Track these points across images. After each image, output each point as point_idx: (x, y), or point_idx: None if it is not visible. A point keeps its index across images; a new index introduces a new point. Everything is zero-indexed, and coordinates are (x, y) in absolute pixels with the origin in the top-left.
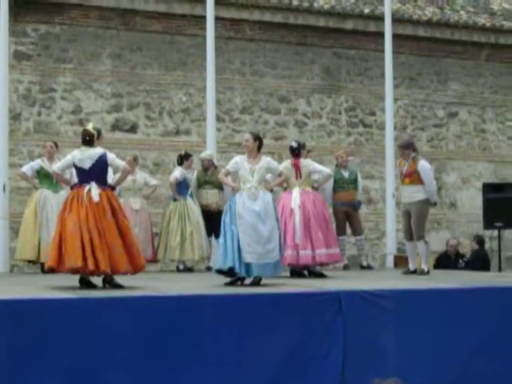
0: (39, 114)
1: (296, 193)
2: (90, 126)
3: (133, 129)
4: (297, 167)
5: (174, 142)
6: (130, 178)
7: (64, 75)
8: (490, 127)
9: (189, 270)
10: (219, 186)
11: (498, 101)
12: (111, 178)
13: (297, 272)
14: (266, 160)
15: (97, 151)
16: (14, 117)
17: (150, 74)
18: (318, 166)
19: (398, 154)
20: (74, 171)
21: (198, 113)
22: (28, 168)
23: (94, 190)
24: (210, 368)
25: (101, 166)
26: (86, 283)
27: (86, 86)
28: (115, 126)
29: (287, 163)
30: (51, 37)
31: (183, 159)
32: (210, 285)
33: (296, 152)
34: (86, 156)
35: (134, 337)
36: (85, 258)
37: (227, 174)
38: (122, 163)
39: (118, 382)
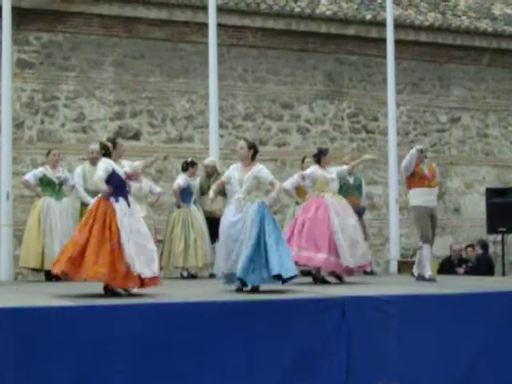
0: (42, 122)
1: (331, 198)
2: (104, 139)
3: (136, 136)
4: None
5: (177, 149)
6: (136, 185)
7: (67, 83)
8: (493, 132)
9: (192, 276)
10: (223, 193)
11: (500, 105)
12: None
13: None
14: (256, 168)
15: (108, 164)
16: (17, 125)
17: (152, 81)
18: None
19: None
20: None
21: (201, 120)
22: (31, 176)
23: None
24: (215, 374)
25: (115, 177)
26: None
27: (89, 93)
28: (118, 134)
29: (316, 168)
30: (54, 45)
31: (189, 166)
32: (213, 291)
33: (318, 157)
34: (103, 168)
35: (138, 344)
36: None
37: (221, 183)
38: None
39: None
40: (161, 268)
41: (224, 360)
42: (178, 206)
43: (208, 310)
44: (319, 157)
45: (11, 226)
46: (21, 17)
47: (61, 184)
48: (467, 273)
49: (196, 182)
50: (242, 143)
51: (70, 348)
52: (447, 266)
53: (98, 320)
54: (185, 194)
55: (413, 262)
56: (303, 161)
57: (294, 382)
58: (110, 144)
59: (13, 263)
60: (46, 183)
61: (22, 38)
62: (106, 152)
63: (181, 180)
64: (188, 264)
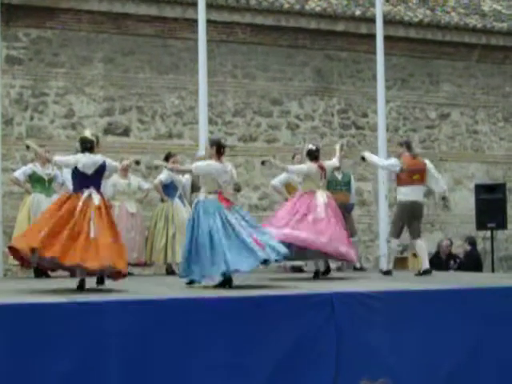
0: (32, 118)
1: (321, 194)
2: (88, 133)
3: (125, 132)
4: (322, 169)
5: (166, 146)
6: (124, 181)
7: (56, 79)
8: (482, 128)
9: (172, 272)
10: None
11: (489, 102)
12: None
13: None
14: None
15: (99, 158)
16: (7, 121)
17: (142, 77)
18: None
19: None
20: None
21: (191, 116)
22: (20, 173)
23: (94, 195)
24: (203, 371)
25: (101, 172)
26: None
27: (79, 90)
28: (108, 130)
29: (310, 166)
30: (43, 41)
31: (166, 160)
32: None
33: (316, 154)
34: (91, 162)
35: (130, 340)
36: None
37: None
38: (116, 164)
39: None
40: (152, 263)
41: (212, 357)
42: (162, 200)
43: (197, 306)
44: (316, 154)
45: (1, 223)
46: (10, 13)
47: (50, 181)
48: (454, 269)
49: (181, 177)
50: (206, 143)
51: (62, 344)
52: (436, 262)
53: (90, 316)
54: (169, 188)
55: (403, 258)
56: (293, 157)
57: (284, 378)
58: (94, 139)
59: (2, 260)
60: (35, 180)
61: (11, 34)
62: (91, 146)
63: (163, 175)
64: (168, 259)
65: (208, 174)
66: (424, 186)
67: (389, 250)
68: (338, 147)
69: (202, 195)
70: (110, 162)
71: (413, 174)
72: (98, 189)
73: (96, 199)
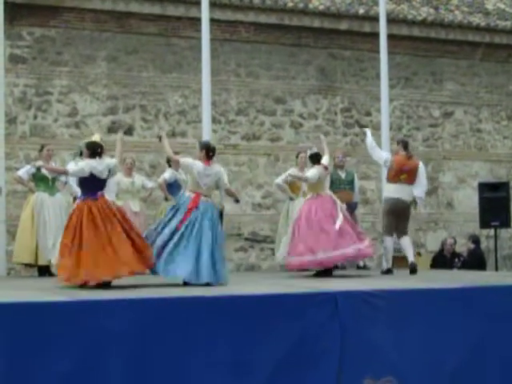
0: (35, 117)
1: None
2: (97, 138)
3: (129, 131)
4: (327, 170)
5: (170, 144)
6: (128, 180)
7: (60, 78)
8: (486, 127)
9: None
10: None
11: (493, 100)
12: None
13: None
14: None
15: (110, 162)
16: (10, 120)
17: (145, 76)
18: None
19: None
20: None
21: (194, 114)
22: (24, 172)
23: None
24: (205, 370)
25: (110, 175)
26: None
27: (82, 88)
28: (111, 129)
29: (319, 169)
30: (47, 40)
31: (169, 160)
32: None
33: (319, 157)
34: (104, 166)
35: (129, 339)
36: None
37: None
38: (116, 162)
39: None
40: None
41: (214, 355)
42: (166, 199)
43: (199, 305)
44: (319, 157)
45: (4, 222)
46: (13, 12)
47: (54, 179)
48: (458, 267)
49: (184, 176)
50: (196, 144)
51: (63, 343)
52: (440, 261)
53: (90, 315)
54: (173, 187)
55: (405, 257)
56: (297, 156)
57: (287, 376)
58: (103, 144)
59: (6, 259)
60: (39, 179)
61: (15, 33)
62: (101, 151)
63: (167, 174)
64: None
65: (189, 172)
66: (411, 186)
67: (384, 249)
68: (323, 143)
69: (186, 191)
70: (114, 161)
71: (400, 174)
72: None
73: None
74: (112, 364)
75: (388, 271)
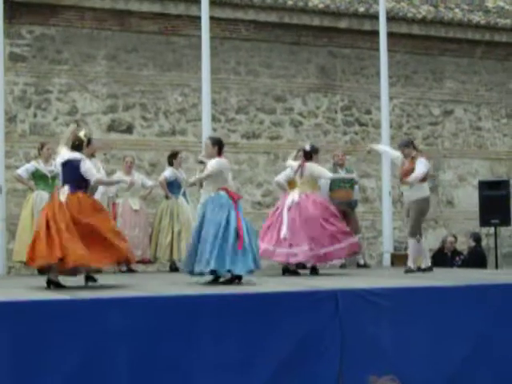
0: (35, 115)
1: (294, 194)
2: (81, 133)
3: (129, 129)
4: (302, 169)
5: (170, 143)
6: (127, 179)
7: (59, 76)
8: (486, 125)
9: (175, 269)
10: None
11: (493, 98)
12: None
13: (289, 270)
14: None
15: (74, 155)
16: (10, 119)
17: (145, 74)
18: (320, 170)
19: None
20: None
21: (194, 113)
22: (23, 170)
23: (61, 193)
24: (209, 368)
25: (73, 170)
26: (54, 284)
27: (82, 87)
28: (111, 127)
29: (295, 163)
30: (46, 38)
31: (171, 159)
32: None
33: (308, 156)
34: (60, 156)
35: (133, 337)
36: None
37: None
38: (94, 176)
39: (119, 382)
40: (156, 260)
41: (218, 353)
42: (166, 197)
43: (203, 303)
44: (311, 155)
45: (4, 220)
46: (13, 10)
47: (54, 178)
48: (459, 266)
49: (184, 174)
50: (207, 141)
51: (65, 341)
52: (440, 259)
53: (95, 313)
54: (172, 186)
55: (406, 255)
56: (297, 154)
57: (288, 375)
58: (85, 139)
59: (6, 257)
60: (38, 177)
61: (15, 31)
62: (79, 144)
63: (167, 172)
64: (173, 256)
65: (222, 172)
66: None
67: (420, 249)
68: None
69: (212, 192)
70: (87, 167)
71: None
72: (74, 185)
73: (62, 195)
74: (117, 363)
75: (429, 269)
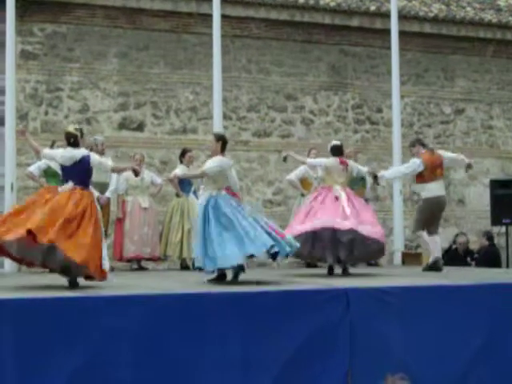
0: (46, 113)
1: (338, 188)
2: (71, 128)
3: (140, 127)
4: (345, 165)
5: (181, 141)
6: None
7: (71, 74)
8: (497, 123)
9: (186, 267)
10: None
11: (504, 97)
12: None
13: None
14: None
15: (81, 152)
16: (21, 116)
17: (156, 72)
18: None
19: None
20: None
21: (205, 111)
22: (35, 168)
23: (62, 187)
24: (215, 366)
25: (82, 166)
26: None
27: (93, 85)
28: (122, 125)
29: (334, 160)
30: (58, 36)
31: (182, 157)
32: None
33: (341, 150)
34: (69, 156)
35: (137, 335)
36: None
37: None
38: (108, 164)
39: (122, 381)
40: (166, 258)
41: (224, 351)
42: (177, 195)
43: (209, 301)
44: (340, 150)
45: None
46: (25, 8)
47: None
48: (472, 265)
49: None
50: (211, 137)
51: (70, 339)
52: (453, 258)
53: (99, 311)
54: (183, 184)
55: (417, 254)
56: (309, 153)
57: (297, 373)
58: (78, 133)
59: None
60: (50, 175)
61: (26, 29)
62: (74, 141)
63: (178, 170)
64: (183, 254)
65: (225, 171)
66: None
67: (424, 243)
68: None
69: (213, 191)
70: (96, 158)
71: (435, 170)
72: (80, 182)
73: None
74: (121, 361)
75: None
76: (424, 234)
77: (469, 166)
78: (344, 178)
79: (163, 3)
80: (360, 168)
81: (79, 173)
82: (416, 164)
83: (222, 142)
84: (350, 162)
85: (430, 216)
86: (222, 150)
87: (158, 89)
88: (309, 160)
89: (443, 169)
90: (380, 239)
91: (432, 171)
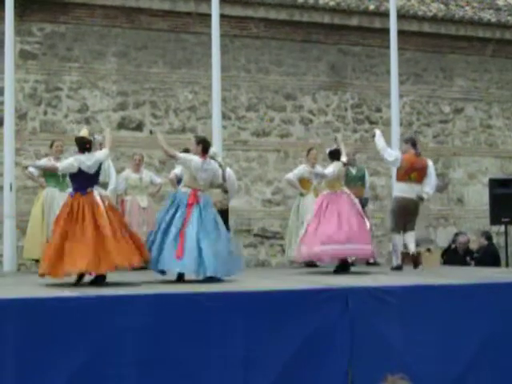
0: (45, 113)
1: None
2: (85, 133)
3: (139, 127)
4: (345, 165)
5: (180, 140)
6: (136, 176)
7: (70, 74)
8: (496, 123)
9: None
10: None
11: (503, 96)
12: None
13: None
14: None
15: (100, 157)
16: (20, 116)
17: (155, 72)
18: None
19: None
20: None
21: (204, 110)
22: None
23: (106, 194)
24: (217, 365)
25: (100, 170)
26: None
27: (92, 84)
28: (121, 125)
29: (339, 165)
30: (57, 36)
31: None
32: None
33: (338, 154)
34: (93, 162)
35: (140, 335)
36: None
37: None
38: (105, 152)
39: (125, 379)
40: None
41: (225, 350)
42: None
43: (213, 301)
44: (338, 155)
45: (14, 218)
46: (24, 7)
47: (64, 175)
48: (472, 264)
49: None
50: (192, 139)
51: (73, 338)
52: (452, 257)
53: (103, 310)
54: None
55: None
56: (308, 153)
57: (297, 373)
58: (92, 138)
59: (16, 254)
60: (49, 174)
61: (25, 28)
62: (90, 146)
63: (178, 169)
64: None
65: (187, 167)
66: (420, 184)
67: (393, 246)
68: (341, 144)
69: (181, 187)
70: (104, 152)
71: (411, 172)
72: (96, 186)
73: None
74: (123, 360)
75: (398, 267)
76: (396, 237)
77: (420, 198)
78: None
79: (162, 3)
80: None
81: (96, 176)
82: (396, 157)
83: (203, 144)
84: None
85: (397, 215)
86: (204, 153)
87: (157, 88)
88: (327, 173)
89: (423, 176)
90: (365, 255)
91: (407, 173)
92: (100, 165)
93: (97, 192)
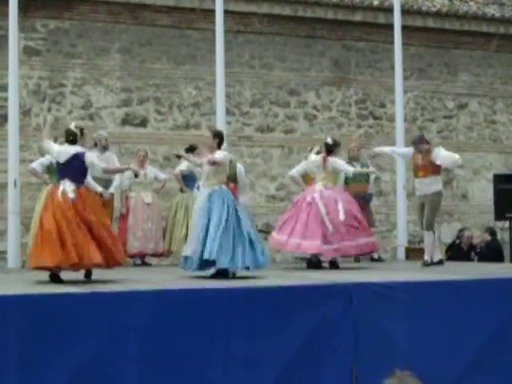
0: (49, 109)
1: (318, 187)
2: (72, 126)
3: (143, 123)
4: (324, 162)
5: (184, 136)
6: (140, 172)
7: (74, 70)
8: (501, 118)
9: None
10: (232, 180)
11: (508, 91)
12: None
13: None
14: None
15: (75, 148)
16: (24, 112)
17: (159, 68)
18: (341, 164)
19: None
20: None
21: (208, 106)
22: (38, 164)
23: (68, 188)
24: (220, 362)
25: (76, 163)
26: (56, 279)
27: (96, 80)
28: (125, 121)
29: (319, 157)
30: (61, 32)
31: (189, 152)
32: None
33: (330, 149)
34: (63, 151)
35: (144, 331)
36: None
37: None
38: (100, 166)
39: (128, 376)
40: (170, 253)
41: (228, 347)
42: (182, 191)
43: (216, 297)
44: (333, 149)
45: (18, 214)
46: (27, 4)
47: None
48: (475, 260)
49: (198, 169)
50: (208, 133)
51: (76, 335)
52: (456, 253)
53: (105, 306)
54: (188, 179)
55: (420, 249)
56: (311, 150)
57: (300, 370)
58: (78, 131)
59: (20, 251)
60: (53, 171)
61: (29, 25)
62: (73, 138)
63: (183, 166)
64: None
65: (226, 165)
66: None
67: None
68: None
69: (216, 186)
70: (91, 160)
71: (417, 170)
72: (76, 179)
73: (70, 192)
74: (127, 357)
75: (440, 262)
76: (425, 233)
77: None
78: (326, 174)
79: None
80: (339, 165)
81: (73, 170)
82: (408, 151)
83: (220, 138)
84: (330, 160)
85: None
86: (218, 147)
87: (161, 84)
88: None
89: (427, 171)
90: (365, 249)
91: (414, 170)
92: (75, 158)
93: (63, 186)
